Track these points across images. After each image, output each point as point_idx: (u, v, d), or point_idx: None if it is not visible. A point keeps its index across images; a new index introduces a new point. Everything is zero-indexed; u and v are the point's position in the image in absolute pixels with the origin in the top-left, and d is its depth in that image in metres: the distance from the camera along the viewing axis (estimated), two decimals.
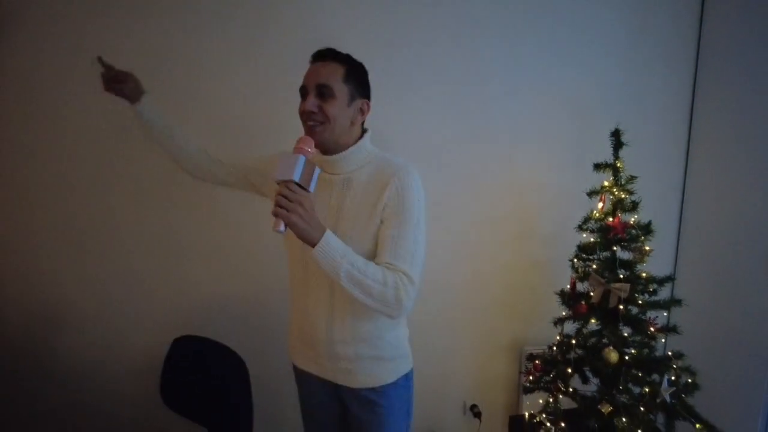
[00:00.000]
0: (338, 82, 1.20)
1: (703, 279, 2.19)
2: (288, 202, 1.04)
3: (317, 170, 1.11)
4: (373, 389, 1.31)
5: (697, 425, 1.69)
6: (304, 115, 1.20)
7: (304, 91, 1.22)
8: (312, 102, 1.18)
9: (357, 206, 1.21)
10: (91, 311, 1.82)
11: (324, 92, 1.18)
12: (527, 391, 1.97)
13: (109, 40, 1.68)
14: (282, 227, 1.05)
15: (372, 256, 1.20)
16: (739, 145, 2.05)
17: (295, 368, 1.45)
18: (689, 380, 1.77)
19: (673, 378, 1.73)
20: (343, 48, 1.25)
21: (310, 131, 1.19)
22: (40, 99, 1.69)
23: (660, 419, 1.88)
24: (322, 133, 1.19)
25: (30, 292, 1.76)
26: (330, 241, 1.10)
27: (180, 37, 1.75)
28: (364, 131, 1.30)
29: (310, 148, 1.11)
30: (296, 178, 1.06)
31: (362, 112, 1.27)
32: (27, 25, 1.64)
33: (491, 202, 2.15)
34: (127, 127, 1.71)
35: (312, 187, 1.09)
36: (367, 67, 1.28)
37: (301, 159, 1.08)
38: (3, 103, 1.67)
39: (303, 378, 1.43)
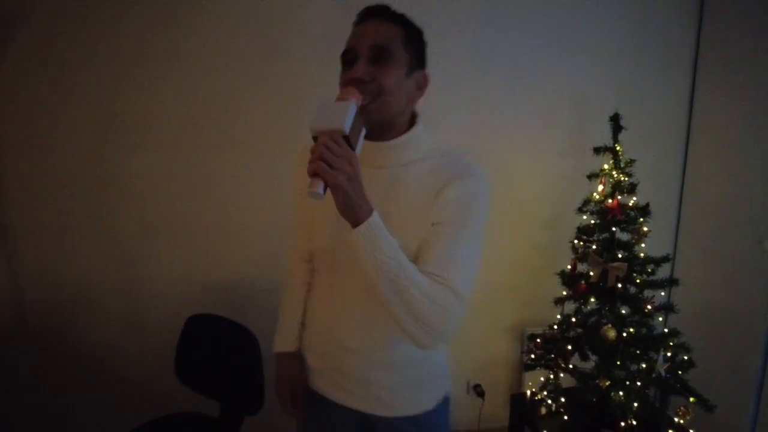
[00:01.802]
0: (398, 45, 0.93)
1: (701, 259, 2.23)
2: (333, 157, 0.76)
3: (364, 131, 0.85)
4: (411, 417, 1.08)
5: (691, 399, 1.75)
6: (351, 85, 0.89)
7: (350, 56, 0.93)
8: (364, 68, 0.90)
9: (408, 210, 0.93)
10: (110, 292, 1.91)
11: (381, 56, 0.91)
12: (528, 368, 2.03)
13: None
14: (321, 189, 0.76)
15: (417, 262, 0.93)
16: (739, 127, 2.08)
17: (308, 392, 1.17)
18: (685, 357, 1.83)
19: (669, 355, 1.79)
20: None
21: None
22: (60, 98, 1.76)
23: (656, 394, 1.93)
24: (375, 111, 0.89)
25: (54, 274, 1.85)
26: (379, 223, 0.83)
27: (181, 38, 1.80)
28: (414, 115, 1.04)
29: (359, 102, 0.85)
30: (347, 129, 0.78)
31: (420, 87, 1.00)
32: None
33: (493, 188, 2.18)
34: (141, 123, 1.79)
35: (358, 150, 0.82)
36: None
37: (353, 107, 0.81)
38: (34, 103, 1.75)
39: (320, 405, 1.14)
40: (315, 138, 0.80)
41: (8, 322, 1.83)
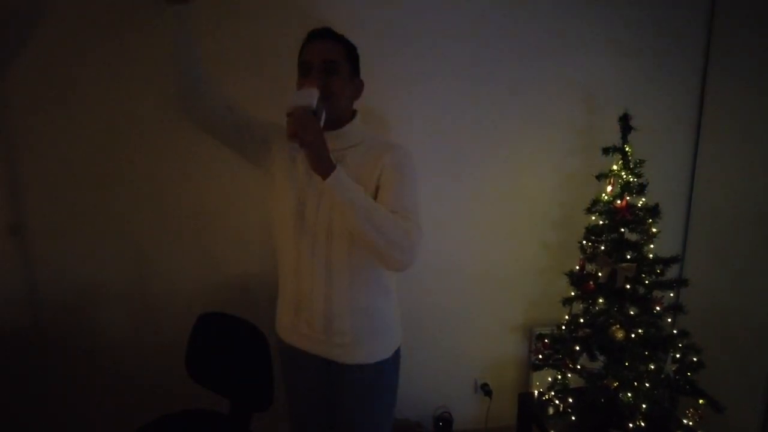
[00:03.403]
0: (342, 59, 1.25)
1: (711, 259, 2.22)
2: (304, 123, 1.06)
3: (324, 112, 1.15)
4: (367, 365, 1.33)
5: (700, 400, 1.75)
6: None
7: (306, 68, 1.25)
8: (319, 77, 1.21)
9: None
10: (123, 290, 1.94)
11: (331, 68, 1.22)
12: (536, 368, 2.03)
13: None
14: (297, 144, 1.08)
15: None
16: (749, 127, 2.06)
17: (281, 344, 1.46)
18: (694, 358, 1.83)
19: (678, 356, 1.79)
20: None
21: None
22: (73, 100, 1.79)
23: (665, 395, 1.93)
24: (326, 108, 1.18)
25: (68, 273, 1.89)
26: (342, 172, 1.11)
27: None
28: (354, 111, 1.34)
29: (319, 90, 1.15)
30: (314, 105, 1.11)
31: (358, 89, 1.33)
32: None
33: (502, 188, 2.19)
34: (155, 123, 1.82)
35: (321, 123, 1.14)
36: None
37: (316, 92, 1.13)
38: (49, 103, 1.78)
39: (291, 354, 1.43)
40: (289, 115, 1.10)
41: (25, 320, 1.87)
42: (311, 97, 1.12)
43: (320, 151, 1.09)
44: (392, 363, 1.39)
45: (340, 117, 1.28)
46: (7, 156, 1.77)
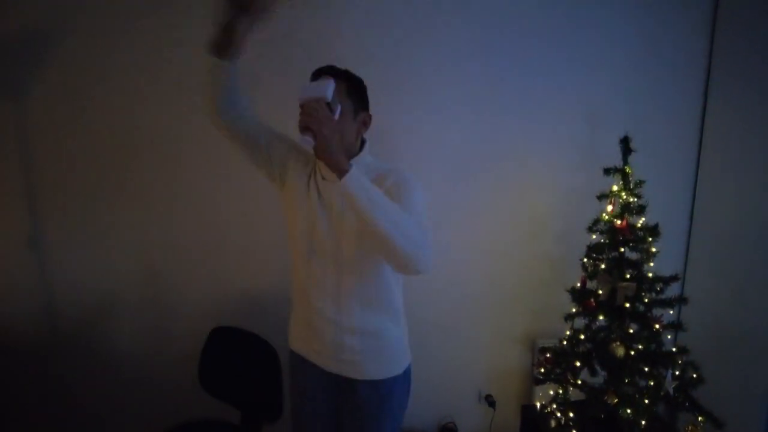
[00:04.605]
0: (343, 94, 1.22)
1: (712, 276, 2.25)
2: (318, 115, 1.03)
3: (339, 106, 1.12)
4: (377, 381, 1.35)
5: (700, 417, 1.78)
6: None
7: None
8: None
9: None
10: (138, 302, 2.01)
11: (331, 108, 1.18)
12: (538, 382, 2.08)
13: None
14: (310, 137, 1.02)
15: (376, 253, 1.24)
16: (750, 148, 2.10)
17: (293, 355, 1.47)
18: (694, 375, 1.86)
19: (677, 372, 1.82)
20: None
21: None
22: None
23: (665, 411, 1.96)
24: None
25: (84, 284, 1.96)
26: (358, 171, 1.07)
27: None
28: (363, 142, 1.33)
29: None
30: (329, 97, 1.05)
31: (365, 124, 1.31)
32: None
33: (506, 203, 2.24)
34: (168, 138, 1.88)
35: (336, 116, 1.11)
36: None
37: (332, 83, 1.08)
38: (63, 117, 1.86)
39: (303, 366, 1.44)
40: (302, 107, 1.05)
41: (41, 331, 1.94)
42: (326, 88, 1.06)
43: (336, 146, 1.06)
44: (402, 382, 1.40)
45: (349, 150, 1.27)
46: (26, 170, 1.86)
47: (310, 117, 1.02)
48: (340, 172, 1.05)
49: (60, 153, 1.87)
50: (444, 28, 2.05)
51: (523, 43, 2.14)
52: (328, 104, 1.06)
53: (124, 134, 1.90)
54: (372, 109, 1.35)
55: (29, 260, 1.90)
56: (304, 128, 1.02)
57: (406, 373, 1.42)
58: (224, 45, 1.12)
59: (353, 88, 1.27)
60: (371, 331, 1.32)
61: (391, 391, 1.38)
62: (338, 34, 1.94)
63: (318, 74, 1.24)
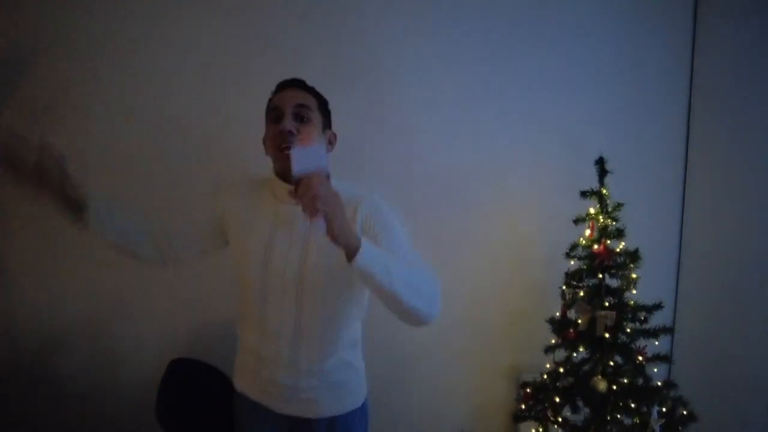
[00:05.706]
0: (314, 108, 1.19)
1: (704, 305, 2.14)
2: (327, 193, 0.89)
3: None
4: (337, 418, 1.25)
5: None
6: (281, 137, 1.12)
7: (277, 113, 1.16)
8: (291, 123, 1.13)
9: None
10: (91, 335, 1.94)
11: (303, 114, 1.15)
12: (519, 420, 1.96)
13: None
14: (323, 221, 0.88)
15: (351, 285, 1.16)
16: (736, 167, 2.03)
17: (239, 396, 1.34)
18: (684, 412, 1.73)
19: (664, 410, 1.70)
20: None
21: (285, 156, 1.03)
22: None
23: None
24: None
25: (47, 312, 1.91)
26: (369, 243, 0.97)
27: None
28: None
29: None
30: (327, 168, 0.94)
31: (330, 143, 1.25)
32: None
33: (486, 228, 2.17)
34: (128, 164, 1.87)
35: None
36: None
37: (322, 147, 1.05)
38: None
39: (251, 409, 1.29)
40: (298, 183, 0.90)
41: (3, 360, 1.89)
42: (319, 155, 0.93)
43: (343, 221, 0.92)
44: (361, 414, 1.32)
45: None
46: None
47: (319, 200, 0.87)
48: (353, 249, 0.92)
49: None
50: (422, 54, 2.04)
51: (501, 67, 2.12)
52: (327, 175, 0.95)
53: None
54: (344, 130, 1.32)
55: None
56: (313, 212, 0.88)
57: (364, 407, 1.34)
58: (71, 209, 1.07)
59: (322, 105, 1.23)
60: (330, 370, 1.22)
61: (351, 427, 1.29)
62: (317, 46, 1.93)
63: (289, 84, 1.21)
